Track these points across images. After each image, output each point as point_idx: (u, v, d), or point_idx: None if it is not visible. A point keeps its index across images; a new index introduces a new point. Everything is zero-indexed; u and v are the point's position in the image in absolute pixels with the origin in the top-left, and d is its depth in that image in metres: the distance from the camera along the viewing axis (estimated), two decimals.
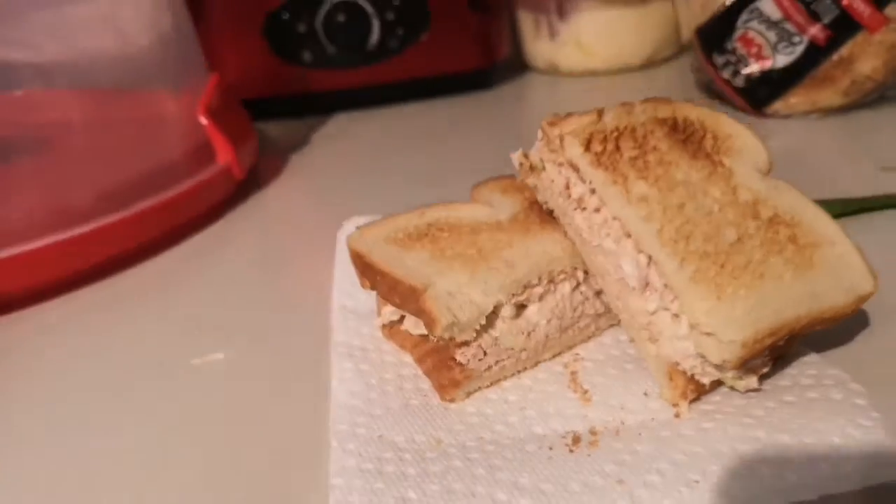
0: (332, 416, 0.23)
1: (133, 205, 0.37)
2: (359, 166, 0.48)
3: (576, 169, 0.23)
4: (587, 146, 0.22)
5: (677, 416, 0.21)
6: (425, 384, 0.24)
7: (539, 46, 0.62)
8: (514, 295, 0.23)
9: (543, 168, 0.24)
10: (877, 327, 0.25)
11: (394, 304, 0.25)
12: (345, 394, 0.24)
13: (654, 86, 0.59)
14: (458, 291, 0.23)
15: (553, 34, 0.60)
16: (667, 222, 0.21)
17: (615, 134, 0.23)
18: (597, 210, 0.22)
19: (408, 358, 0.26)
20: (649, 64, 0.62)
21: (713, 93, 0.49)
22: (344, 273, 0.31)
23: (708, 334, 0.19)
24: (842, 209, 0.32)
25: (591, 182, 0.22)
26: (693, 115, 0.24)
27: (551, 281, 0.24)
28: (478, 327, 0.23)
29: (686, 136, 0.23)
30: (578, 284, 0.25)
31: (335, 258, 0.33)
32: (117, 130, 0.43)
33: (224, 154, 0.42)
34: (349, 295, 0.30)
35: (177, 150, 0.41)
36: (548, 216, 0.25)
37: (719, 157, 0.23)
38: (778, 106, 0.45)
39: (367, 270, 0.25)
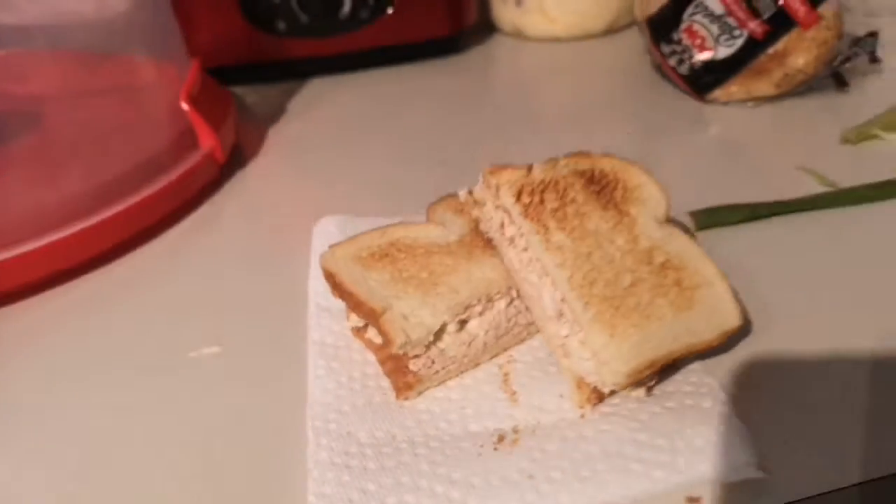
0: (309, 412, 0.28)
1: (122, 199, 0.40)
2: (335, 136, 0.52)
3: (508, 214, 0.27)
4: (518, 197, 0.27)
5: (582, 416, 0.27)
6: (385, 383, 0.30)
7: (506, 12, 0.64)
8: (457, 315, 0.28)
9: (485, 204, 0.29)
10: (759, 334, 0.30)
11: (359, 316, 0.30)
12: (320, 390, 0.29)
13: (614, 53, 0.63)
14: (411, 314, 0.28)
15: (519, 1, 0.63)
16: (576, 269, 0.26)
17: (541, 187, 0.27)
18: (524, 249, 0.27)
19: (372, 357, 0.31)
20: (610, 31, 0.64)
21: (663, 73, 0.53)
22: (318, 272, 0.36)
23: (603, 363, 0.25)
24: (768, 211, 0.37)
25: (519, 228, 0.27)
26: (608, 167, 0.28)
27: (490, 300, 0.29)
28: (427, 343, 0.28)
29: (601, 188, 0.27)
30: (512, 300, 0.30)
31: (310, 257, 0.37)
32: (102, 117, 0.47)
33: (206, 139, 0.46)
34: (323, 295, 0.34)
35: (161, 139, 0.44)
36: (488, 242, 0.30)
37: (626, 207, 0.27)
38: (718, 93, 0.49)
39: (337, 287, 0.30)
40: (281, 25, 0.58)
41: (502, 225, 0.28)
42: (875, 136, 0.43)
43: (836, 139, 0.45)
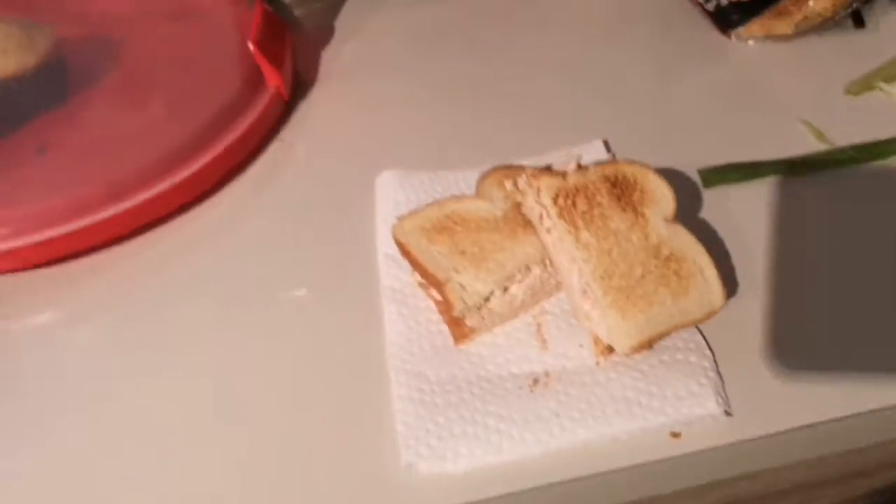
0: (388, 353, 0.37)
1: (209, 146, 0.46)
2: (386, 60, 0.56)
3: (547, 211, 0.34)
4: (555, 199, 0.34)
5: (597, 364, 0.35)
6: (445, 328, 0.38)
7: None
8: (503, 284, 0.36)
9: (527, 195, 0.36)
10: (743, 293, 0.38)
11: (425, 280, 0.38)
12: (394, 334, 0.38)
13: None
14: (468, 284, 0.36)
15: None
16: (598, 264, 0.33)
17: (574, 191, 0.34)
18: (559, 240, 0.34)
19: (433, 305, 0.39)
20: None
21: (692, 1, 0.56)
22: (384, 222, 0.43)
23: (615, 337, 0.33)
24: (768, 171, 0.43)
25: (555, 224, 0.34)
26: (629, 171, 0.34)
27: (528, 269, 0.37)
28: (479, 306, 0.36)
29: (622, 191, 0.34)
30: (545, 267, 0.37)
31: (374, 205, 0.44)
32: (177, 56, 0.51)
33: (272, 78, 0.51)
34: (389, 244, 0.42)
35: (233, 83, 0.49)
36: (527, 221, 0.37)
37: (642, 209, 0.34)
38: (740, 31, 0.53)
39: (407, 255, 0.38)
40: None
41: (541, 216, 0.35)
42: (877, 88, 0.48)
43: (842, 86, 0.49)
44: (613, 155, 0.46)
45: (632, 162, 0.35)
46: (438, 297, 0.38)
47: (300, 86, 0.55)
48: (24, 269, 0.43)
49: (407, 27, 0.60)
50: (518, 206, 0.38)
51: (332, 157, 0.49)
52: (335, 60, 0.57)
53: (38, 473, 0.34)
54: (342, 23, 0.61)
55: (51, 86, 0.47)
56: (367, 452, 0.34)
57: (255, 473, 0.34)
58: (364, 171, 0.47)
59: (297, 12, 0.61)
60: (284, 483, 0.33)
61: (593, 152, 0.46)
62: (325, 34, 0.59)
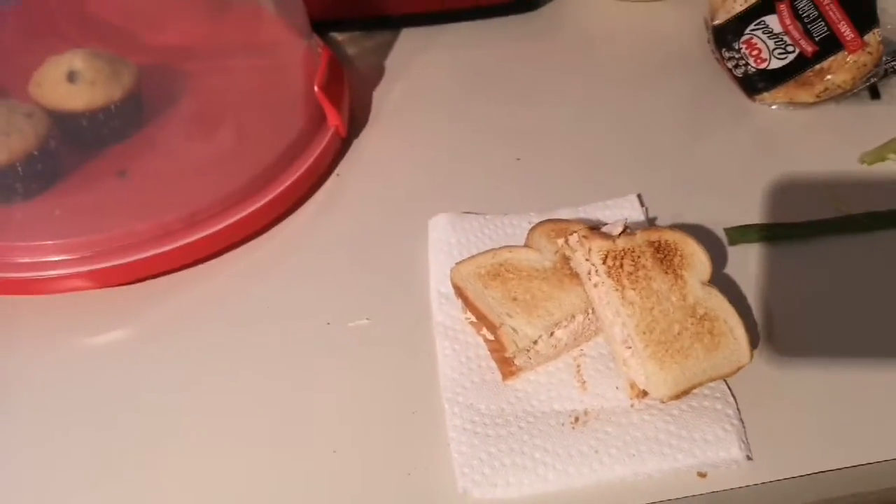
0: (442, 385, 0.41)
1: (276, 181, 0.50)
2: (433, 99, 0.61)
3: (595, 269, 0.38)
4: (604, 260, 0.38)
5: (632, 405, 0.39)
6: (493, 364, 0.42)
7: None
8: (550, 330, 0.40)
9: (576, 251, 0.40)
10: (763, 347, 0.42)
11: (479, 321, 0.42)
12: (448, 368, 0.42)
13: (677, 18, 0.68)
14: (518, 328, 0.40)
15: None
16: (641, 320, 0.37)
17: (622, 253, 0.38)
18: (605, 294, 0.38)
19: (482, 341, 0.43)
20: None
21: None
22: (437, 262, 0.47)
23: (652, 386, 0.37)
24: (788, 233, 0.47)
25: (603, 282, 0.38)
26: (671, 238, 0.39)
27: (573, 317, 0.41)
28: (528, 348, 0.40)
29: (664, 255, 0.38)
30: (587, 314, 0.41)
31: (427, 244, 0.48)
32: (243, 91, 0.55)
33: (333, 118, 0.55)
34: (442, 282, 0.46)
35: (299, 122, 0.52)
36: (573, 273, 0.41)
37: (682, 272, 0.38)
38: (765, 96, 0.57)
39: (463, 298, 0.42)
40: None
41: (589, 273, 0.39)
42: (888, 159, 0.52)
43: (857, 153, 0.54)
44: (646, 209, 0.50)
45: (674, 229, 0.39)
46: (490, 337, 0.42)
47: (353, 122, 0.59)
48: (102, 287, 0.46)
49: (453, 68, 0.64)
50: (566, 259, 0.42)
51: (384, 193, 0.53)
52: (385, 98, 0.61)
53: (106, 484, 0.38)
54: (392, 62, 0.65)
55: (131, 115, 0.50)
56: (424, 477, 0.38)
57: (316, 495, 0.37)
58: (414, 206, 0.51)
59: (350, 51, 0.66)
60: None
61: (627, 206, 0.50)
62: (376, 73, 0.63)
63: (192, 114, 0.53)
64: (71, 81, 0.48)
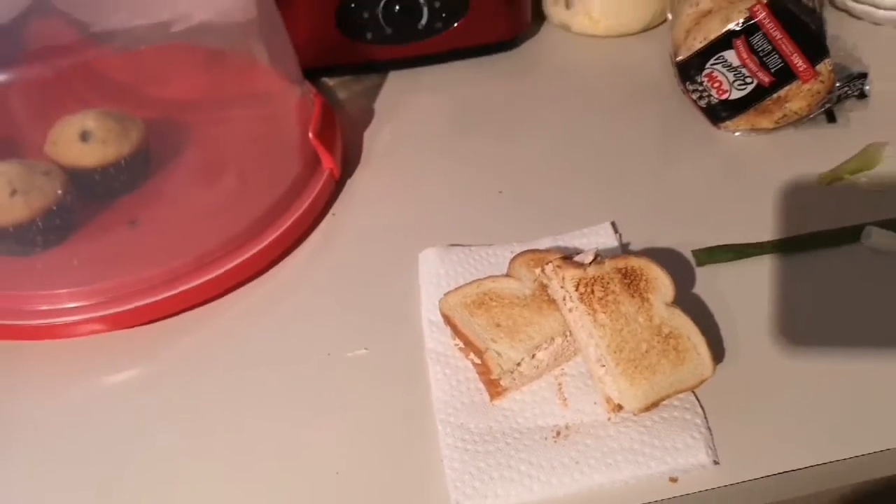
0: (435, 407, 0.45)
1: (275, 224, 0.54)
2: (421, 138, 0.65)
3: (569, 295, 0.42)
4: (577, 287, 0.42)
5: (609, 419, 0.43)
6: (481, 386, 0.46)
7: (556, 12, 0.74)
8: (532, 352, 0.44)
9: (552, 280, 0.43)
10: (729, 360, 0.46)
11: (466, 347, 0.45)
12: (440, 391, 0.45)
13: (646, 51, 0.73)
14: (502, 352, 0.43)
15: (569, 5, 0.73)
16: (612, 340, 0.41)
17: (592, 280, 0.42)
18: (579, 319, 0.42)
19: (470, 365, 0.47)
20: (646, 28, 0.74)
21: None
22: (427, 293, 0.51)
23: (624, 401, 0.41)
24: (753, 251, 0.51)
25: (577, 307, 0.42)
26: (636, 264, 0.42)
27: (553, 339, 0.44)
28: (512, 370, 0.44)
29: (630, 280, 0.42)
30: (566, 337, 0.45)
31: (418, 277, 0.52)
32: (242, 138, 0.59)
33: (327, 161, 0.59)
34: (432, 311, 0.49)
35: (295, 167, 0.56)
36: (551, 300, 0.45)
37: (647, 295, 0.42)
38: (728, 124, 0.61)
39: (451, 326, 0.46)
40: (369, 35, 0.68)
41: (564, 299, 0.43)
42: (844, 179, 0.56)
43: (816, 174, 0.57)
44: (620, 235, 0.54)
45: (639, 256, 0.43)
46: (477, 361, 0.45)
47: (346, 163, 0.63)
48: (115, 330, 0.50)
49: (439, 106, 0.69)
50: (544, 287, 0.45)
51: (377, 229, 0.57)
52: (375, 139, 0.65)
53: None
54: (381, 104, 0.69)
55: (139, 168, 0.55)
56: (419, 493, 0.41)
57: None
58: (405, 240, 0.55)
59: (340, 95, 0.70)
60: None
61: (602, 234, 0.54)
62: (366, 115, 0.68)
63: (196, 163, 0.57)
64: (84, 141, 0.52)
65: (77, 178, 0.52)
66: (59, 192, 0.50)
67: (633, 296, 0.42)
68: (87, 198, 0.52)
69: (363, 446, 0.44)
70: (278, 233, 0.54)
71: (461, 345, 0.46)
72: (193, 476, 0.43)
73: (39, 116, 0.54)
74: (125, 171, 0.53)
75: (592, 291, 0.42)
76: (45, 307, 0.49)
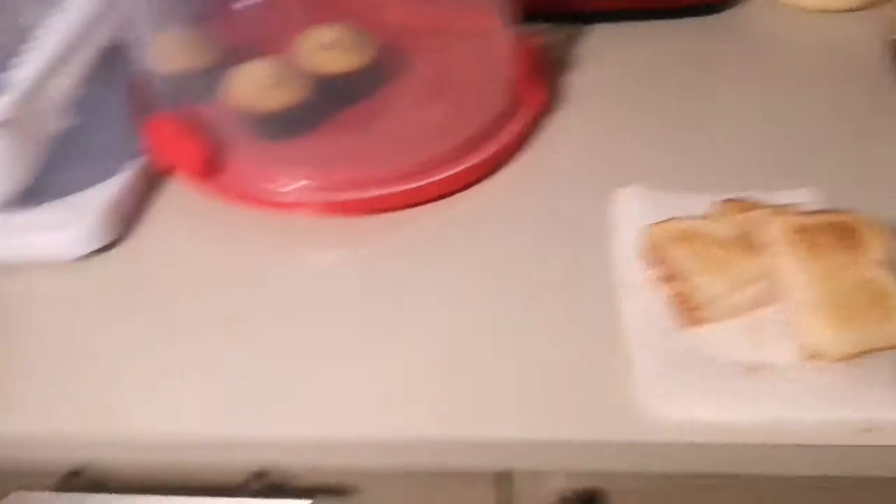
0: (630, 335, 0.47)
1: (482, 147, 0.59)
2: (619, 87, 0.67)
3: (780, 240, 0.44)
4: (788, 233, 0.44)
5: (804, 366, 0.44)
6: (678, 315, 0.48)
7: None
8: (734, 289, 0.46)
9: (761, 224, 0.45)
10: None
11: (667, 275, 0.48)
12: (635, 320, 0.48)
13: (858, 28, 0.72)
14: (706, 284, 0.46)
15: None
16: (819, 287, 0.42)
17: (804, 229, 0.44)
18: (788, 264, 0.44)
19: (662, 296, 0.49)
20: (858, 8, 0.73)
21: None
22: (622, 229, 0.54)
23: (826, 349, 0.42)
24: None
25: (786, 253, 0.43)
26: (849, 220, 0.44)
27: (754, 281, 0.46)
28: (713, 300, 0.46)
29: (842, 234, 0.43)
30: (768, 280, 0.46)
31: (614, 216, 0.55)
32: (459, 63, 0.64)
33: (532, 98, 0.63)
34: (627, 248, 0.52)
35: (504, 100, 0.61)
36: (755, 245, 0.46)
37: (858, 249, 0.43)
38: None
39: (654, 256, 0.48)
40: None
41: (772, 243, 0.44)
42: None
43: None
44: (820, 201, 0.55)
45: (854, 213, 0.44)
46: (677, 290, 0.48)
47: (547, 103, 0.66)
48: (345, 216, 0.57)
49: (635, 62, 0.70)
50: (747, 232, 0.47)
51: (571, 168, 0.61)
52: (576, 85, 0.68)
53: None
54: (579, 53, 0.72)
55: (372, 79, 0.60)
56: (617, 403, 0.45)
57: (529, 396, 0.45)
58: (600, 180, 0.58)
59: (549, 41, 0.73)
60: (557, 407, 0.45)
61: (804, 196, 0.54)
62: (569, 61, 0.71)
63: (418, 83, 0.62)
64: (328, 49, 0.58)
65: (320, 82, 0.58)
66: (307, 90, 0.56)
67: (843, 248, 0.43)
68: (328, 99, 0.58)
69: (555, 368, 0.47)
70: (485, 155, 0.58)
71: (660, 274, 0.49)
72: (398, 340, 0.49)
73: (292, 28, 0.61)
74: (360, 79, 0.59)
75: (803, 239, 0.43)
76: (287, 188, 0.56)
